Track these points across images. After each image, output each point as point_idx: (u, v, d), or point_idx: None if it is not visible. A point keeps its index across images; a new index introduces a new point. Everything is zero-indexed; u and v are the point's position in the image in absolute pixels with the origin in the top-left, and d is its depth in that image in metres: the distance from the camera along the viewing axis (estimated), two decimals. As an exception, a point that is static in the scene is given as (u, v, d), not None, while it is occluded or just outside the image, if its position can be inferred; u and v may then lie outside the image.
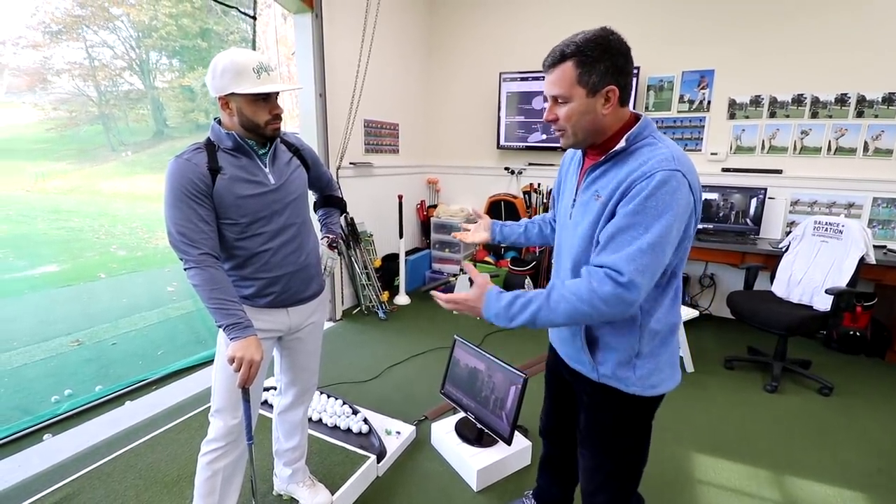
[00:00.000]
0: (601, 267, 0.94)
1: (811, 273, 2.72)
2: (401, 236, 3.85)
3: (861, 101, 3.10)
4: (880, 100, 3.05)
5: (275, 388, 1.71)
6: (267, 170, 1.31)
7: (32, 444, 2.06)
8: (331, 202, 1.70)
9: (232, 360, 1.19)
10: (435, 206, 4.63)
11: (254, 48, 3.41)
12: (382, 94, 3.87)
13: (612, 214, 0.98)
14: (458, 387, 2.14)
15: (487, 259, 4.15)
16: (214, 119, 1.29)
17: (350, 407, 2.23)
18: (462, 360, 2.15)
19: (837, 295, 2.46)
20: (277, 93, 1.26)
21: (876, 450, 2.14)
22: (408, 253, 4.18)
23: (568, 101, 0.99)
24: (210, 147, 1.25)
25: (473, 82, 4.35)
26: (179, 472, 1.83)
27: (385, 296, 3.81)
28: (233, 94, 1.20)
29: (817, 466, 2.03)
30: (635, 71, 3.57)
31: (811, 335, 3.26)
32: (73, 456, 1.96)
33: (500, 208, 4.21)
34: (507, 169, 4.31)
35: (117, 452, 1.94)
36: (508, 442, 1.88)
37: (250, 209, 1.27)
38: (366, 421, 2.13)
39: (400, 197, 3.82)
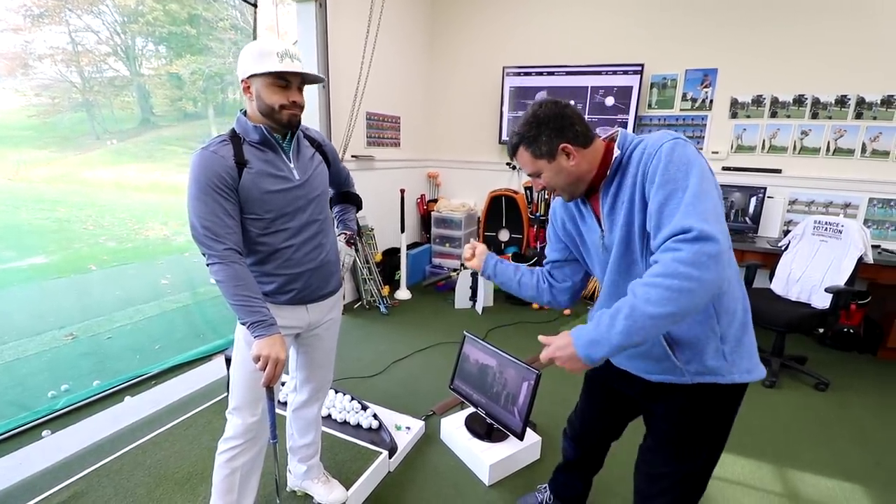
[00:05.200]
0: (667, 240, 0.89)
1: (810, 272, 2.78)
2: (402, 230, 3.83)
3: (860, 102, 3.15)
4: (879, 102, 3.11)
5: (282, 384, 1.70)
6: (292, 165, 1.29)
7: (31, 441, 2.01)
8: (347, 199, 1.68)
9: (257, 359, 1.17)
10: (435, 201, 4.61)
11: (254, 37, 3.34)
12: (385, 86, 3.83)
13: (642, 203, 0.99)
14: (468, 382, 2.14)
15: (488, 254, 4.15)
16: (240, 111, 1.26)
17: (359, 402, 2.23)
18: (472, 356, 2.15)
19: (836, 293, 2.51)
20: (301, 84, 1.23)
21: (872, 444, 2.20)
22: (408, 247, 4.16)
23: (540, 173, 1.11)
24: (235, 139, 1.22)
25: (476, 76, 4.32)
26: (190, 469, 1.81)
27: (386, 290, 3.79)
28: (253, 75, 1.17)
29: (817, 460, 2.08)
30: (638, 69, 3.59)
31: (809, 332, 3.33)
32: (77, 453, 1.93)
33: (501, 203, 4.21)
34: (508, 164, 4.30)
35: (124, 449, 1.91)
36: (521, 437, 1.89)
37: (275, 204, 1.25)
38: (375, 416, 2.12)
39: (402, 191, 3.79)
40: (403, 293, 3.97)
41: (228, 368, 2.28)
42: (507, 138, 1.15)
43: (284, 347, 1.20)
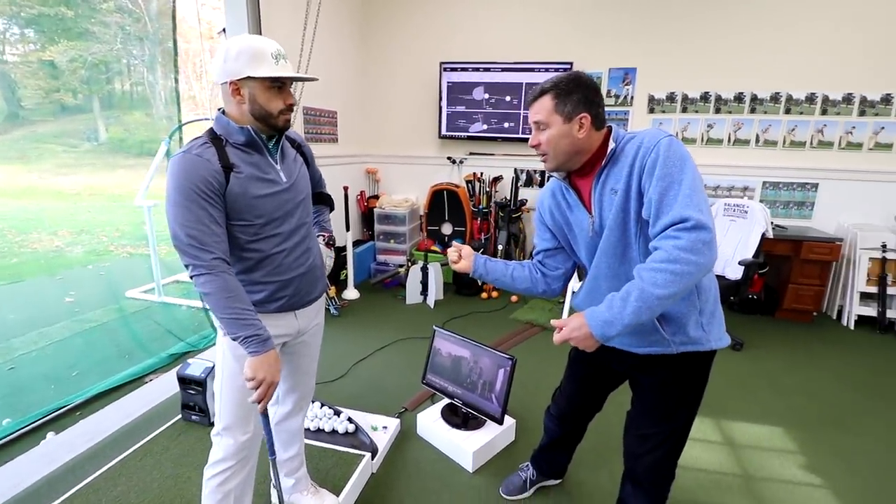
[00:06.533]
0: (666, 229, 1.01)
1: (723, 248, 3.17)
2: (347, 228, 3.74)
3: (754, 99, 3.65)
4: (768, 98, 3.63)
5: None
6: (278, 167, 1.22)
7: (-61, 496, 1.70)
8: (321, 199, 1.62)
9: (251, 379, 1.11)
10: (376, 197, 4.54)
11: (173, 27, 3.05)
12: (320, 78, 3.68)
13: (638, 193, 1.08)
14: (441, 375, 2.17)
15: (434, 248, 4.19)
16: (219, 110, 1.16)
17: (330, 408, 2.16)
18: (444, 350, 2.18)
19: (747, 266, 2.90)
20: (292, 83, 1.17)
21: (783, 391, 2.60)
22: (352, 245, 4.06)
23: (548, 126, 1.15)
24: (217, 141, 1.13)
25: (413, 71, 4.31)
26: (156, 501, 1.64)
27: (333, 291, 3.68)
28: (248, 78, 1.09)
29: (744, 410, 2.40)
30: (568, 66, 3.82)
31: (724, 301, 3.80)
32: (9, 501, 1.66)
33: (443, 197, 4.26)
34: (449, 158, 4.36)
35: (70, 491, 1.68)
36: (500, 422, 1.97)
37: (266, 209, 1.18)
38: (351, 420, 2.08)
39: (345, 188, 3.70)
40: (351, 293, 3.88)
41: (182, 387, 2.11)
42: (538, 85, 1.16)
43: (279, 366, 1.15)
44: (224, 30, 2.95)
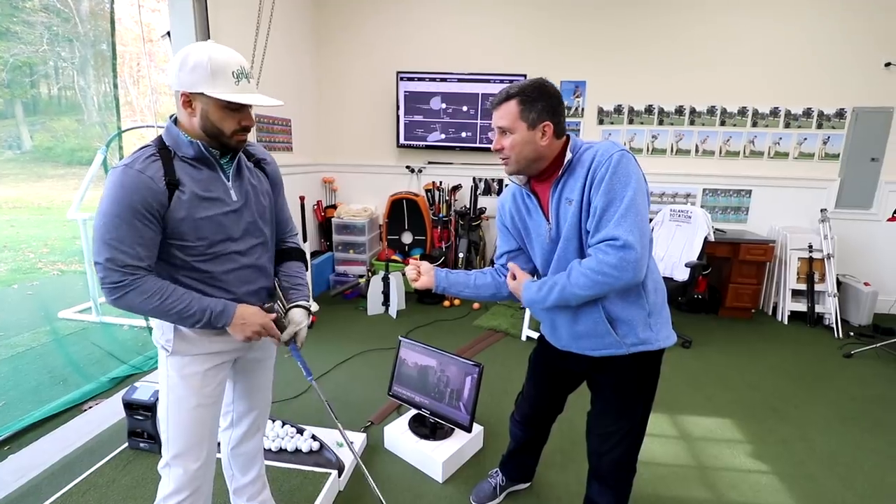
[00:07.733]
0: (600, 242, 1.11)
1: (670, 251, 3.36)
2: (304, 239, 3.64)
3: (692, 111, 3.93)
4: (705, 111, 3.91)
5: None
6: (229, 184, 1.15)
7: None
8: (292, 255, 1.42)
9: (248, 339, 1.17)
10: (333, 207, 4.45)
11: (112, 26, 2.87)
12: (273, 87, 3.58)
13: (590, 205, 1.15)
14: (408, 386, 2.15)
15: (394, 257, 4.16)
16: (170, 117, 1.09)
17: (292, 426, 2.09)
18: (409, 360, 2.16)
19: (693, 267, 3.08)
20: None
21: (729, 385, 2.76)
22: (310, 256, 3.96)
23: (512, 132, 1.17)
24: (165, 153, 1.06)
25: (369, 80, 4.28)
26: (103, 539, 1.51)
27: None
28: (202, 94, 1.03)
29: (694, 404, 2.54)
30: (522, 79, 3.92)
31: (673, 301, 4.00)
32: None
33: (403, 206, 4.25)
34: (408, 167, 4.36)
35: (-1, 536, 1.52)
36: (469, 430, 1.97)
37: (209, 231, 1.11)
38: (314, 437, 2.02)
39: (302, 198, 3.60)
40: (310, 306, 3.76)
41: (129, 413, 1.97)
42: (501, 90, 1.19)
43: (257, 312, 1.17)
44: (168, 33, 2.82)
